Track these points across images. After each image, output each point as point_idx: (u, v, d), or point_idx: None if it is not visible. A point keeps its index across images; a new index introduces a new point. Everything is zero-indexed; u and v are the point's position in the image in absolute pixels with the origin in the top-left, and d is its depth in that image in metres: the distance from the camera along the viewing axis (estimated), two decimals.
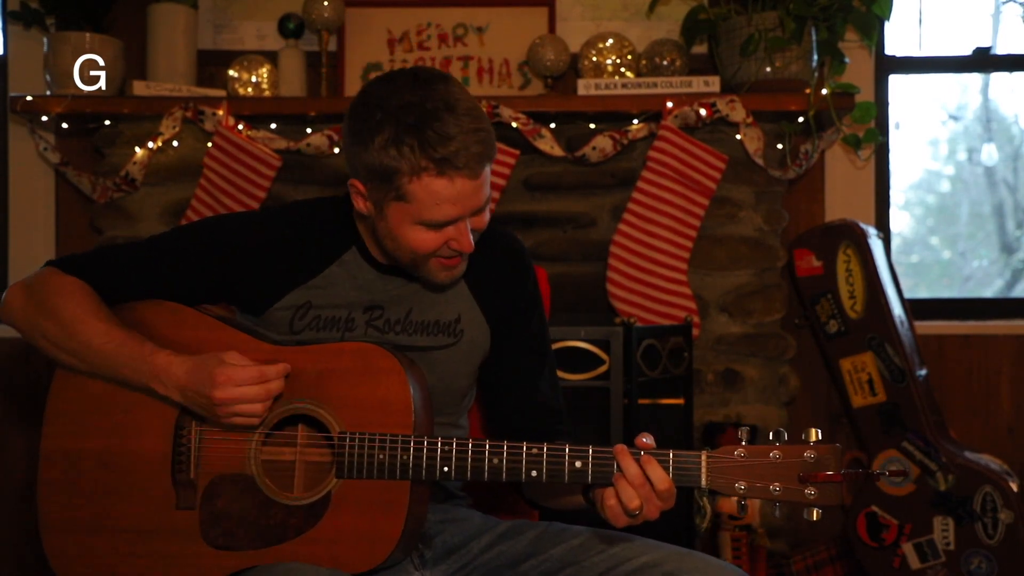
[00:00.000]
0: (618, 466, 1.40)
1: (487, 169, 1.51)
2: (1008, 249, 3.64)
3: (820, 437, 1.39)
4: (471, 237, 1.53)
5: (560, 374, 2.55)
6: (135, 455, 1.57)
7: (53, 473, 1.59)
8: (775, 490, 1.39)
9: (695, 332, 2.87)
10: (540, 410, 1.70)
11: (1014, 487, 2.77)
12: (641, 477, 1.39)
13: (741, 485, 1.39)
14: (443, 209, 1.48)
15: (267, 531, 1.51)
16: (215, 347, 1.56)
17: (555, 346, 2.55)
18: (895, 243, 3.44)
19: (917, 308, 3.18)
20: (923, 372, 2.94)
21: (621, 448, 1.41)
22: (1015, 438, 3.22)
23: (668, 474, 1.39)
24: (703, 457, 1.40)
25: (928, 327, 3.19)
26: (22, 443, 3.20)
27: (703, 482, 1.40)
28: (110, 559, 1.55)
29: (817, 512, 1.38)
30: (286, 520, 1.51)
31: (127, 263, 1.64)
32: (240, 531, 1.52)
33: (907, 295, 3.09)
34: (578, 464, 1.43)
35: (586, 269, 3.01)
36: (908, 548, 2.82)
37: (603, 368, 2.60)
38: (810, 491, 1.38)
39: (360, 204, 1.56)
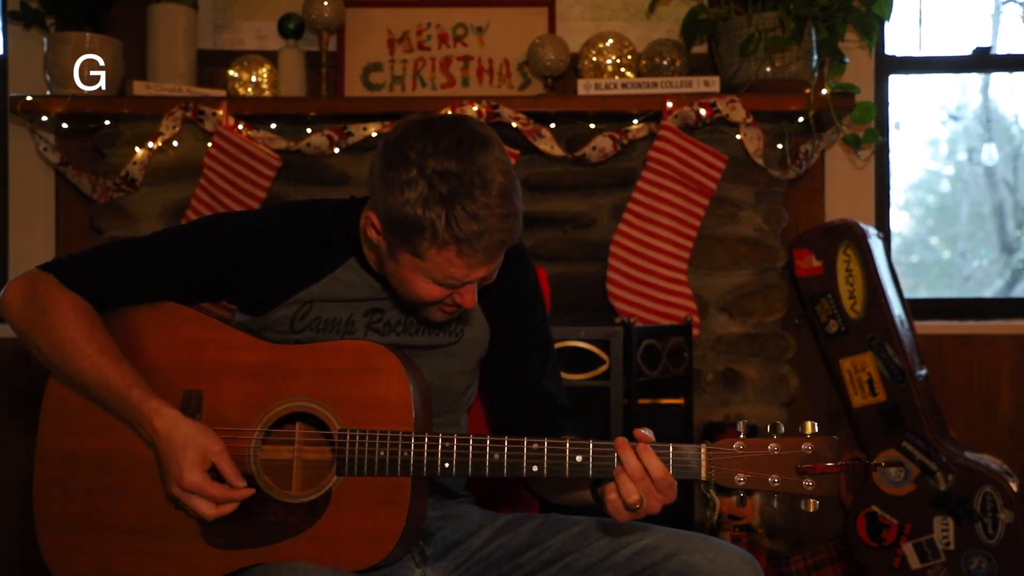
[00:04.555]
0: (618, 459, 1.42)
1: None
2: (1008, 249, 3.64)
3: (817, 430, 1.41)
4: (476, 296, 1.53)
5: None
6: (132, 455, 1.56)
7: (49, 473, 1.59)
8: (774, 482, 1.40)
9: (695, 332, 2.87)
10: (543, 405, 1.72)
11: (1014, 487, 2.76)
12: (641, 470, 1.40)
13: (740, 478, 1.41)
14: (454, 274, 1.48)
15: (267, 529, 1.51)
16: (215, 346, 1.57)
17: (555, 346, 2.56)
18: (895, 243, 3.44)
19: (917, 308, 3.18)
20: (923, 372, 2.94)
21: (622, 441, 1.42)
22: (1015, 438, 3.22)
23: (668, 467, 1.41)
24: (703, 450, 1.42)
25: (928, 327, 3.19)
26: (21, 443, 3.20)
27: (703, 475, 1.42)
28: (107, 557, 1.55)
29: (814, 503, 1.40)
30: (286, 518, 1.51)
31: (125, 269, 1.62)
32: (240, 530, 1.51)
33: (907, 295, 3.09)
34: (579, 459, 1.44)
35: (586, 269, 3.01)
36: (908, 548, 2.82)
37: (603, 368, 2.60)
38: (808, 483, 1.40)
39: (372, 235, 1.54)
